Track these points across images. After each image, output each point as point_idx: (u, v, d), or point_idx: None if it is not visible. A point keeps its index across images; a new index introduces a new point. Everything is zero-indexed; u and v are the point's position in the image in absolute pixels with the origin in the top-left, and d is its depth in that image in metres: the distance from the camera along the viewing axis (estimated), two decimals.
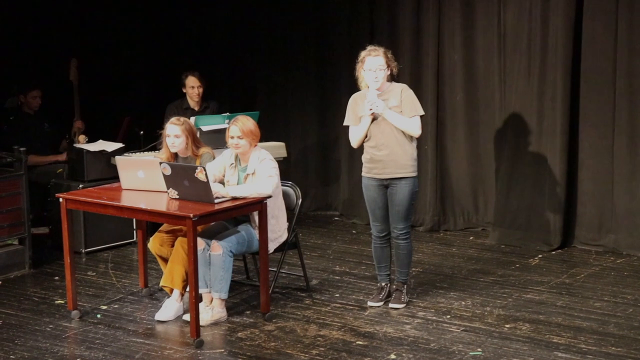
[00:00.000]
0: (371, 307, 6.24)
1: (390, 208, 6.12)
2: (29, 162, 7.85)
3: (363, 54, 6.05)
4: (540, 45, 7.58)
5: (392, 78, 6.10)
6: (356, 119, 6.10)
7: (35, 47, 8.92)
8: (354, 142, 6.17)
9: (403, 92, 6.03)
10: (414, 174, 6.07)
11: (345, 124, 6.20)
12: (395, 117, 5.97)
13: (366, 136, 6.07)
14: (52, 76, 8.81)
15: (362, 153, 6.20)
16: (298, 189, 6.46)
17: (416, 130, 6.03)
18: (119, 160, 6.28)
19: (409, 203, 6.09)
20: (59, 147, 8.50)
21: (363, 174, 6.19)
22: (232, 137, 6.01)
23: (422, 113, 6.08)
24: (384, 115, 5.96)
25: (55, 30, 9.02)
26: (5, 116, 8.46)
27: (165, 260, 6.21)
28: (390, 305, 6.23)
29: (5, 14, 8.72)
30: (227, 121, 6.97)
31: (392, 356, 5.40)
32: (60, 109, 8.61)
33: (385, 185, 6.09)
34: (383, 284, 6.34)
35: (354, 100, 6.15)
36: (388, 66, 6.01)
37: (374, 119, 6.00)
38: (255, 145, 6.06)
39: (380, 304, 6.27)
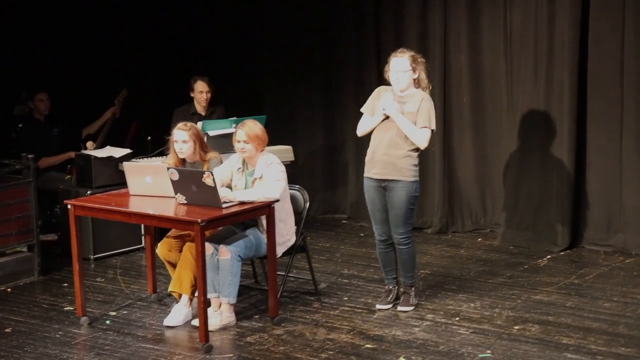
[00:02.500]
0: (380, 309, 6.24)
1: (389, 212, 6.11)
2: (42, 165, 7.89)
3: (391, 55, 6.08)
4: (547, 46, 7.56)
5: (422, 84, 6.08)
6: (373, 110, 6.13)
7: (41, 52, 8.94)
8: (359, 132, 6.22)
9: (422, 102, 6.01)
10: (412, 179, 6.03)
11: (361, 110, 6.23)
12: (405, 123, 5.96)
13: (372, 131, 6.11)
14: (60, 80, 8.83)
15: None
16: (306, 193, 6.46)
17: (422, 142, 5.99)
18: (126, 166, 6.29)
19: (407, 207, 6.05)
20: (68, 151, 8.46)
21: (364, 174, 6.20)
22: (239, 142, 6.01)
23: (434, 127, 6.03)
24: (394, 118, 5.96)
25: (61, 35, 9.04)
26: (14, 124, 8.48)
27: (174, 265, 6.22)
28: (399, 308, 6.22)
29: (13, 22, 8.74)
30: (234, 126, 6.97)
31: (401, 359, 5.39)
32: (70, 114, 8.64)
33: (383, 187, 6.08)
34: (390, 287, 6.34)
35: (377, 92, 6.17)
36: (414, 70, 6.01)
37: (386, 118, 6.02)
38: (262, 150, 6.06)
39: (389, 306, 6.26)
